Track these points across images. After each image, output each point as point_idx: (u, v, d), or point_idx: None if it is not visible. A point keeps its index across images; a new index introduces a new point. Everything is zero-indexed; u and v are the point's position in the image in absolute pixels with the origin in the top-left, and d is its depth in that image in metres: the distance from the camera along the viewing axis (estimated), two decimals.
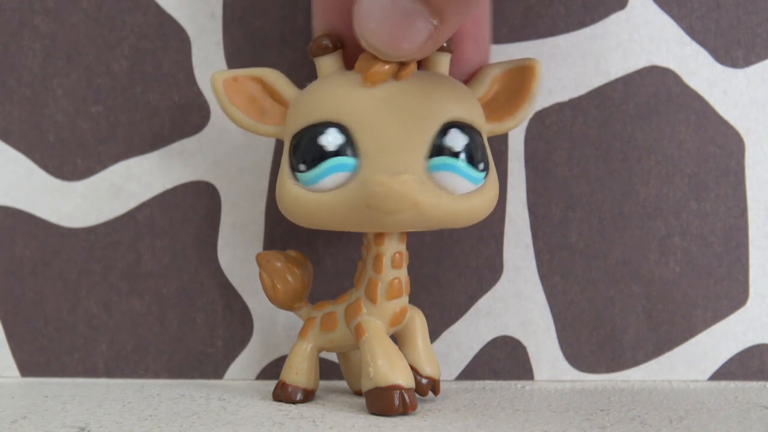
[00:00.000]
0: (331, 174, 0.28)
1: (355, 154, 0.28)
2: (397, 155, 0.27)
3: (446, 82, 0.29)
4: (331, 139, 0.28)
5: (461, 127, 0.28)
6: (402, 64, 0.28)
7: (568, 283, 0.35)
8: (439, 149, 0.28)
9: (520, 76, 0.29)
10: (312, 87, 0.29)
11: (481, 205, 0.28)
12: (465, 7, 0.26)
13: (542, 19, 0.35)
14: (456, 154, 0.28)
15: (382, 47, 0.26)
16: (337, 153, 0.28)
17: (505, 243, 0.35)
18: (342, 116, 0.28)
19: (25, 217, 0.35)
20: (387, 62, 0.27)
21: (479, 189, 0.28)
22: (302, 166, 0.28)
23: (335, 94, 0.28)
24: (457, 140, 0.28)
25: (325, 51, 0.29)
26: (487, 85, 0.30)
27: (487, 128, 0.29)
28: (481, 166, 0.28)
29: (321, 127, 0.28)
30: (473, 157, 0.28)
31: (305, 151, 0.28)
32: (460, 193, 0.28)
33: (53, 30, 0.35)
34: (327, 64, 0.29)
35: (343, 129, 0.28)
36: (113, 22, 0.35)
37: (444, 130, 0.28)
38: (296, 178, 0.28)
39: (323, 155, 0.28)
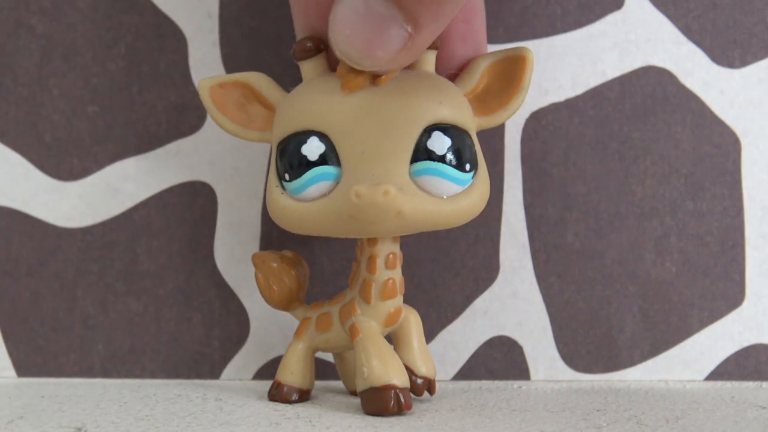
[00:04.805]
0: (314, 184, 0.28)
1: (337, 162, 0.27)
2: (378, 163, 0.27)
3: (428, 82, 0.28)
4: (312, 149, 0.27)
5: (444, 128, 0.27)
6: None
7: (564, 283, 0.35)
8: (422, 153, 0.27)
9: (512, 67, 0.29)
10: (295, 92, 0.29)
11: (469, 206, 0.28)
12: (440, 13, 0.25)
13: (538, 19, 0.35)
14: (440, 158, 0.27)
15: (357, 56, 0.26)
16: (319, 162, 0.27)
17: (501, 243, 0.35)
18: (322, 125, 0.27)
19: (22, 217, 0.35)
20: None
21: (466, 190, 0.28)
22: (287, 176, 0.28)
23: (315, 101, 0.28)
24: (440, 143, 0.27)
25: (308, 54, 0.29)
26: (476, 77, 0.29)
27: (476, 123, 0.29)
28: (468, 166, 0.28)
29: (303, 135, 0.28)
30: (458, 158, 0.27)
31: (289, 160, 0.28)
32: (446, 195, 0.27)
33: (50, 30, 0.35)
34: (311, 68, 0.29)
35: (324, 137, 0.27)
36: (110, 22, 0.35)
37: (426, 133, 0.27)
38: (283, 187, 0.28)
39: (306, 164, 0.27)
